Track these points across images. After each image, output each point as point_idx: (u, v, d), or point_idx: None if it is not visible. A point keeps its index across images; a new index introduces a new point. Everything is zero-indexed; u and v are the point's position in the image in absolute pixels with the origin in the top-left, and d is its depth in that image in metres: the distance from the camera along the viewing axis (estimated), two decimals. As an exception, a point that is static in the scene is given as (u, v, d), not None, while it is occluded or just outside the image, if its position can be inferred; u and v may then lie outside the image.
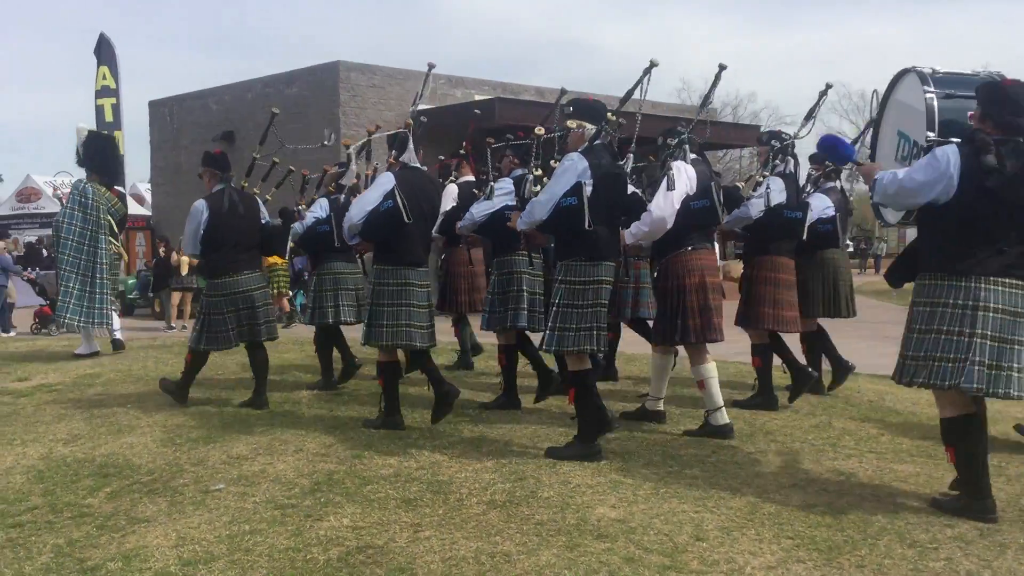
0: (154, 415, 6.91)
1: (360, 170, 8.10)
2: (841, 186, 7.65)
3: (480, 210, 6.85)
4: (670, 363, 6.65)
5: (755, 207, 6.85)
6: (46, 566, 4.06)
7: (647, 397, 6.67)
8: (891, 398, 7.58)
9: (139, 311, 18.51)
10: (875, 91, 5.51)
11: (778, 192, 6.84)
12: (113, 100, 19.74)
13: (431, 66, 6.90)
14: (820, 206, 7.27)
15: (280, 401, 7.35)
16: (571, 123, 5.74)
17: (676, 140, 6.35)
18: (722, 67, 6.19)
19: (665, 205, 5.89)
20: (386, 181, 6.23)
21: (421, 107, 7.25)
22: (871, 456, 5.67)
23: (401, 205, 6.01)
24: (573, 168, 5.43)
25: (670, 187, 5.90)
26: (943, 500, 4.70)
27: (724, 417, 6.16)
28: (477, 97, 17.26)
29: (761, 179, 7.01)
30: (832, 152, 5.46)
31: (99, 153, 10.26)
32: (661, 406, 6.63)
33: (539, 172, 5.93)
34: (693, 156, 6.27)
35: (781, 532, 4.30)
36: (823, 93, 6.95)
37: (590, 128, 5.61)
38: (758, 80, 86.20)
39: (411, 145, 6.43)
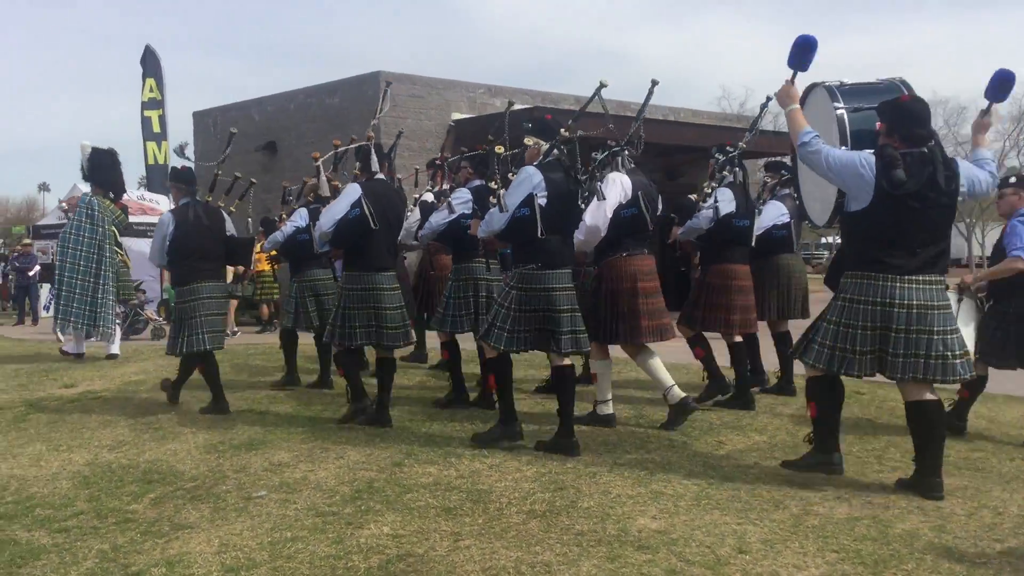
0: (197, 422, 6.99)
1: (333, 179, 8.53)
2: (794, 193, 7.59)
3: (438, 219, 7.26)
4: (609, 365, 6.90)
5: (705, 218, 7.21)
6: (91, 571, 4.11)
7: (598, 403, 6.82)
8: (937, 410, 7.43)
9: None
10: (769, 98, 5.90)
11: (727, 202, 7.15)
12: (159, 111, 20.07)
13: (388, 84, 7.74)
14: (775, 213, 7.79)
15: (321, 409, 7.39)
16: (527, 140, 6.14)
17: (607, 153, 6.67)
18: (654, 82, 6.68)
19: (598, 215, 6.26)
20: (353, 192, 6.66)
21: (459, 116, 7.67)
22: (917, 469, 5.56)
23: (368, 213, 6.50)
24: (528, 180, 5.78)
25: (601, 198, 6.19)
26: (793, 461, 5.39)
27: (610, 407, 6.74)
28: (516, 106, 17.29)
29: (710, 191, 7.34)
30: (1001, 85, 5.36)
31: (102, 168, 10.60)
32: (610, 409, 6.80)
33: (494, 185, 6.18)
34: (630, 167, 6.65)
35: (825, 545, 4.24)
36: (650, 91, 6.75)
37: (544, 144, 5.97)
38: (802, 88, 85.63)
39: (374, 157, 6.85)
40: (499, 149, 6.84)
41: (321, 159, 8.35)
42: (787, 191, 7.91)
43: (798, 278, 7.94)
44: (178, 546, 4.36)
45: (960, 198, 4.97)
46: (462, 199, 7.18)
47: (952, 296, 5.76)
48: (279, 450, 6.05)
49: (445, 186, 8.31)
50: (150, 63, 20.44)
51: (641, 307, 6.45)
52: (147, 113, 20.27)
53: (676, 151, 19.06)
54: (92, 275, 10.20)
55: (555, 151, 5.94)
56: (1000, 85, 5.34)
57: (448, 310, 7.40)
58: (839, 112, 5.20)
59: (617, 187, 6.43)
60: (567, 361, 5.98)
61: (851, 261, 5.03)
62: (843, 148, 5.09)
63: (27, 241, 19.81)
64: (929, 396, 4.96)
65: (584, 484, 5.17)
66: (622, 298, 6.45)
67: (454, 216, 7.15)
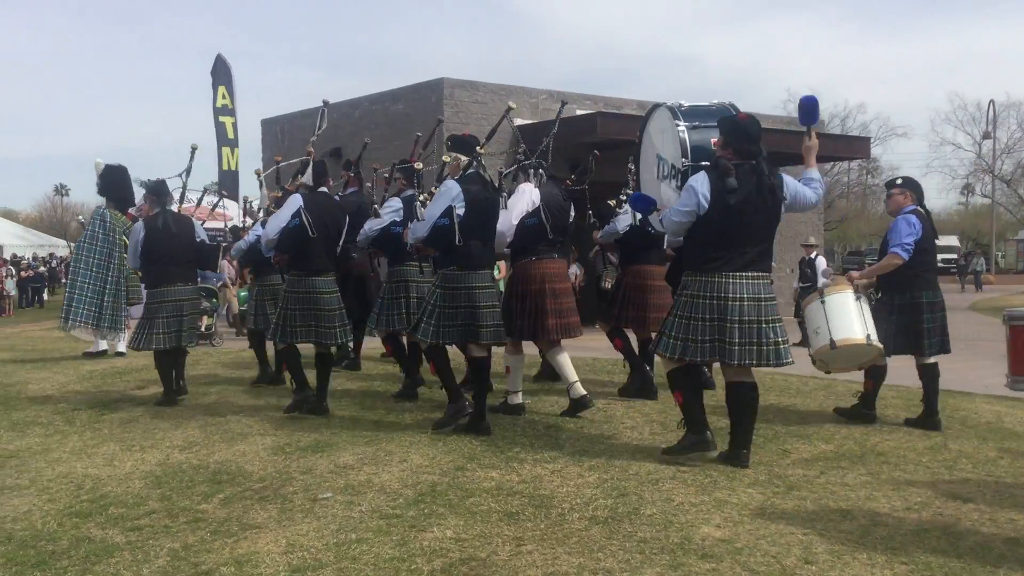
0: (265, 424, 7.12)
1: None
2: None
3: (371, 226, 7.93)
4: (522, 359, 7.46)
5: (621, 223, 7.94)
6: (163, 569, 4.22)
7: (510, 393, 7.40)
8: (1010, 419, 7.27)
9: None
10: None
11: None
12: (232, 119, 20.51)
13: (325, 103, 8.44)
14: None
15: (385, 412, 7.47)
16: (446, 156, 6.80)
17: (517, 166, 7.55)
18: (560, 107, 7.84)
19: (503, 223, 6.90)
20: (294, 202, 7.32)
21: (521, 122, 8.06)
22: (989, 480, 5.44)
23: (307, 223, 7.17)
24: (448, 193, 6.47)
25: (507, 207, 7.01)
26: (671, 448, 5.84)
27: (520, 398, 7.31)
28: (578, 112, 17.26)
29: (625, 197, 7.82)
30: (637, 204, 6.18)
31: (114, 184, 11.09)
32: (520, 399, 7.37)
33: (423, 196, 6.99)
34: (547, 179, 7.32)
35: (895, 557, 4.16)
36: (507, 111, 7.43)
37: (464, 159, 6.62)
38: (868, 91, 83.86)
39: (310, 171, 7.50)
40: (418, 166, 7.91)
41: (263, 174, 9.24)
42: None
43: None
44: (246, 546, 4.45)
45: (783, 208, 5.62)
46: (392, 208, 7.87)
47: (850, 295, 6.62)
48: (344, 453, 6.13)
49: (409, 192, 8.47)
50: (221, 72, 20.90)
51: (549, 307, 7.08)
52: (221, 119, 20.73)
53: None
54: (101, 280, 10.88)
55: (474, 164, 6.60)
56: (808, 111, 5.85)
57: (382, 310, 8.17)
58: (680, 130, 5.91)
59: (525, 197, 7.14)
60: (484, 353, 6.71)
61: (690, 261, 5.70)
62: (684, 161, 5.84)
63: None
64: (748, 379, 5.65)
65: (647, 491, 5.15)
66: (531, 298, 7.09)
67: (384, 223, 7.83)
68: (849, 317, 6.59)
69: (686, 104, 6.14)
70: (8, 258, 30.27)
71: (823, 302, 6.67)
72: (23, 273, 29.02)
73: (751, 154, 5.52)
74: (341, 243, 7.69)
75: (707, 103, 6.22)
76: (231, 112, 20.60)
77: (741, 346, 5.42)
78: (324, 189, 7.61)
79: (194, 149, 8.86)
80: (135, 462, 6.15)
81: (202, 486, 5.51)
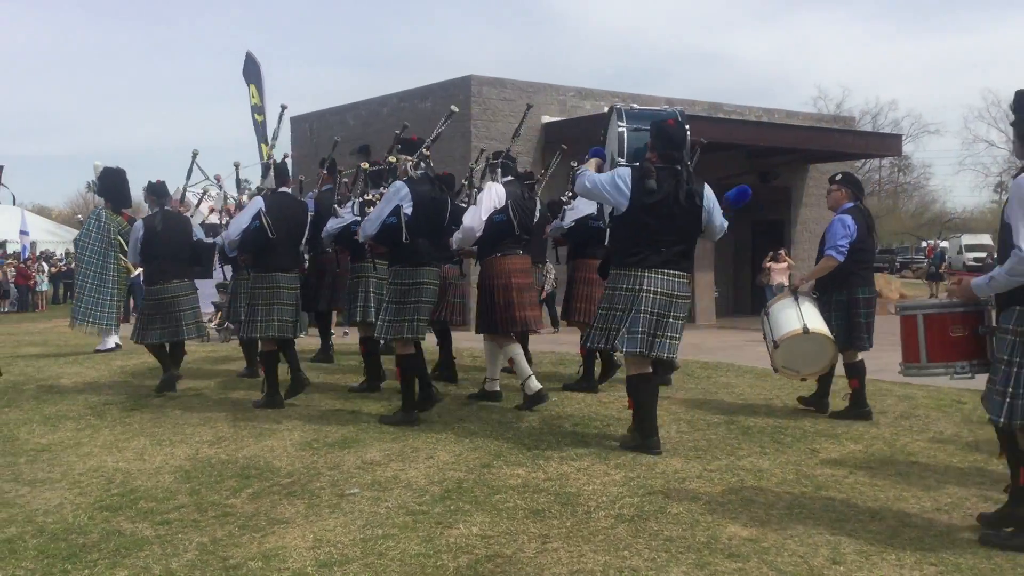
0: (293, 419, 7.16)
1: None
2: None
3: (331, 225, 8.27)
4: (498, 348, 7.64)
5: (568, 218, 8.22)
6: (191, 563, 4.25)
7: (488, 379, 7.73)
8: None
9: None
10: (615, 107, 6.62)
11: (586, 205, 7.85)
12: (262, 117, 20.65)
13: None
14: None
15: (411, 409, 7.49)
16: (391, 158, 7.18)
17: (485, 165, 7.86)
18: (452, 110, 7.54)
19: (472, 219, 7.26)
20: (254, 205, 7.67)
21: (548, 119, 8.13)
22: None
23: (266, 224, 7.47)
24: (396, 194, 6.79)
25: (476, 203, 7.38)
26: (623, 438, 6.19)
27: (536, 384, 7.34)
28: (607, 109, 17.24)
29: (573, 196, 8.08)
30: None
31: (111, 185, 11.50)
32: (498, 387, 7.73)
33: (369, 196, 7.29)
34: (508, 178, 7.55)
35: (924, 558, 4.12)
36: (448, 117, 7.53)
37: (410, 160, 6.95)
38: (900, 87, 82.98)
39: (271, 174, 7.84)
40: (364, 165, 8.27)
41: (224, 179, 9.84)
42: None
43: None
44: (274, 540, 4.48)
45: (703, 214, 5.90)
46: (351, 207, 8.07)
47: (789, 299, 6.95)
48: (371, 449, 6.16)
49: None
50: (251, 70, 21.02)
51: (515, 299, 7.33)
52: (257, 117, 20.88)
53: (770, 153, 18.75)
54: (97, 278, 11.27)
55: (423, 165, 6.95)
56: (735, 200, 6.26)
57: (348, 305, 8.52)
58: (620, 130, 6.31)
59: (492, 195, 7.35)
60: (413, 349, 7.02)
61: (615, 257, 6.07)
62: (620, 160, 6.18)
63: None
64: (649, 370, 6.01)
65: (673, 490, 5.14)
66: (498, 292, 7.33)
67: (345, 222, 8.11)
68: (786, 316, 6.87)
69: (637, 107, 6.58)
70: (40, 254, 30.63)
71: (767, 314, 7.04)
72: (54, 269, 29.38)
73: (673, 159, 5.83)
74: (305, 240, 8.09)
75: (658, 108, 6.77)
76: (261, 110, 20.74)
77: (643, 335, 5.77)
78: (285, 190, 7.97)
79: (195, 154, 9.28)
80: (165, 456, 6.21)
81: (231, 481, 5.56)
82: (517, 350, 7.49)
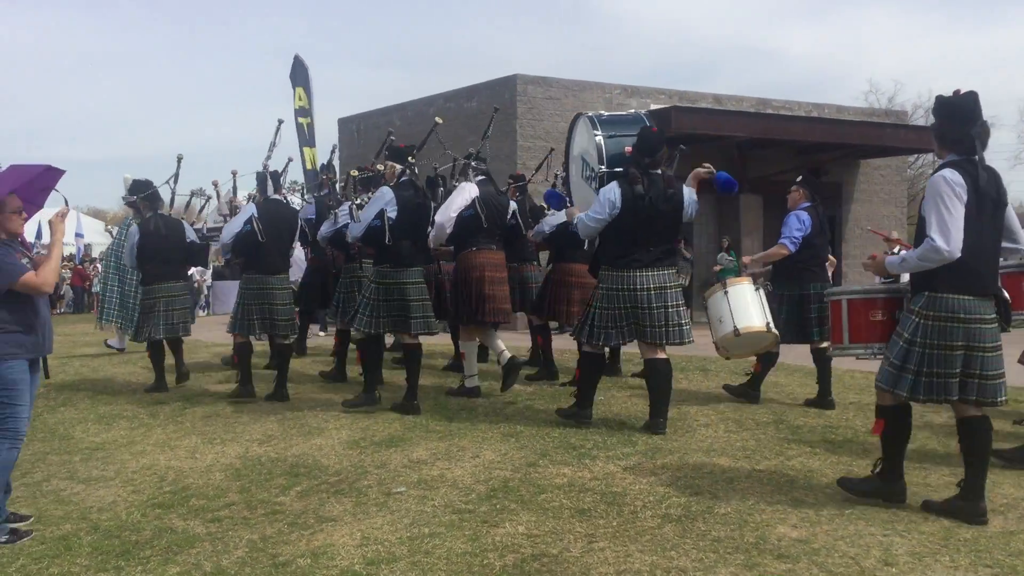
0: (341, 419, 7.22)
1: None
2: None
3: (325, 227, 8.69)
4: (475, 346, 8.24)
5: (548, 224, 8.63)
6: (241, 560, 4.31)
7: (466, 377, 8.10)
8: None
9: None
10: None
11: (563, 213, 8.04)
12: (308, 120, 20.83)
13: (280, 121, 9.10)
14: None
15: (458, 409, 7.52)
16: (379, 165, 7.82)
17: (459, 165, 8.40)
18: (436, 122, 8.31)
19: (443, 215, 7.67)
20: (247, 211, 8.20)
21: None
22: (1082, 483, 5.23)
23: (257, 229, 7.95)
24: (381, 198, 7.27)
25: (447, 201, 7.84)
26: (561, 408, 6.91)
27: (476, 382, 8.05)
28: (652, 106, 17.11)
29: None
30: (551, 200, 7.79)
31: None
32: (476, 382, 8.07)
33: (359, 201, 7.80)
34: (481, 177, 8.00)
35: (978, 560, 4.04)
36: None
37: (398, 167, 7.42)
38: (954, 80, 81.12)
39: (269, 183, 8.36)
40: (354, 172, 8.92)
41: (219, 185, 10.60)
42: None
43: None
44: (322, 538, 4.53)
45: (685, 214, 6.50)
46: (345, 211, 8.30)
47: (750, 286, 7.13)
48: (417, 447, 6.19)
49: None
50: (299, 73, 21.19)
51: (487, 292, 7.76)
52: (300, 120, 21.06)
53: (820, 149, 18.50)
54: (129, 284, 11.67)
55: (407, 172, 7.39)
56: (724, 185, 6.72)
57: (339, 304, 9.03)
58: (598, 139, 6.76)
59: (464, 194, 7.78)
60: (417, 341, 7.52)
61: (606, 258, 6.52)
62: (601, 167, 6.68)
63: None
64: (660, 355, 6.50)
65: (721, 490, 5.09)
66: (472, 285, 7.76)
67: (339, 225, 8.44)
68: (750, 306, 7.04)
69: (605, 114, 7.08)
70: (97, 257, 31.25)
71: (726, 293, 7.07)
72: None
73: (655, 164, 6.38)
74: (295, 243, 8.78)
75: (623, 113, 7.29)
76: (307, 113, 20.91)
77: (652, 328, 6.32)
78: (277, 197, 8.49)
79: (180, 159, 9.80)
80: (216, 455, 6.30)
81: (280, 479, 5.62)
82: (472, 348, 8.11)
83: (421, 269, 7.54)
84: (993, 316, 4.56)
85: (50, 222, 5.02)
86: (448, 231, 7.75)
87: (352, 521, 4.76)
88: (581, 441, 6.27)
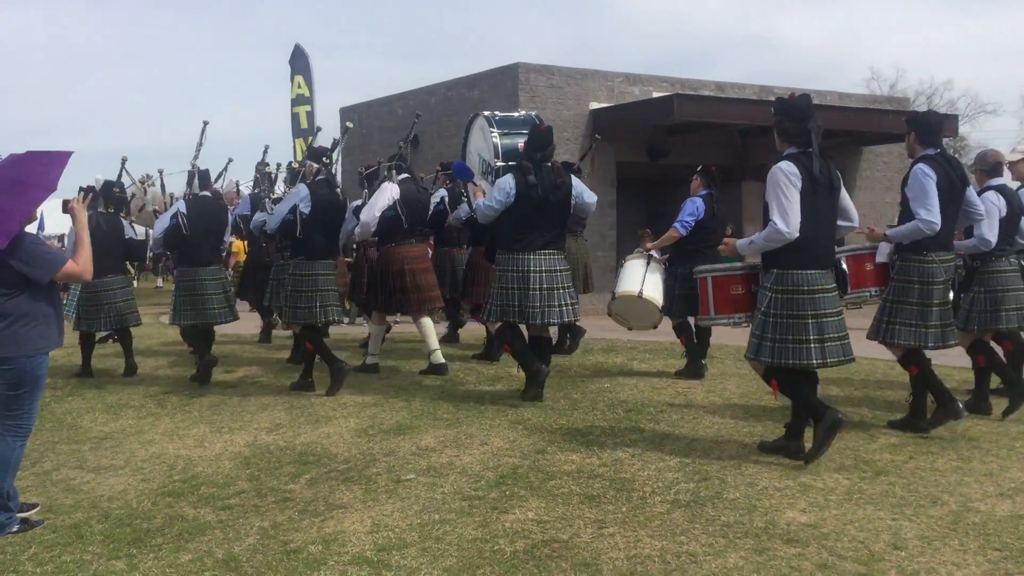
0: (348, 407, 7.24)
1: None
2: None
3: (257, 218, 9.48)
4: (383, 329, 9.24)
5: (463, 210, 8.89)
6: (253, 547, 4.33)
7: (369, 355, 8.94)
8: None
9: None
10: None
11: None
12: (308, 108, 20.80)
13: (205, 123, 10.02)
14: None
15: (464, 396, 7.54)
16: (294, 164, 9.12)
17: (385, 165, 9.01)
18: (204, 122, 9.88)
19: (366, 215, 8.37)
20: (175, 207, 8.90)
21: (597, 105, 8.92)
22: (1089, 467, 5.25)
23: (181, 223, 8.57)
24: (296, 195, 7.94)
25: (371, 201, 8.49)
26: (523, 393, 7.33)
27: (376, 359, 8.90)
28: (655, 94, 17.08)
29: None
30: (459, 172, 8.10)
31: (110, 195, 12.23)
32: (376, 360, 8.88)
33: (276, 196, 9.15)
34: (404, 176, 8.65)
35: (987, 543, 4.06)
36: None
37: (315, 166, 8.12)
38: (955, 67, 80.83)
39: (196, 180, 9.04)
40: (269, 170, 10.52)
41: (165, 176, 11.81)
42: None
43: (574, 258, 9.21)
44: (333, 525, 4.55)
45: (573, 202, 7.11)
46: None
47: (641, 260, 8.01)
48: (425, 435, 6.21)
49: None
50: (299, 62, 21.18)
51: (408, 284, 8.43)
52: (295, 110, 21.03)
53: (823, 135, 18.46)
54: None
55: (323, 171, 8.06)
56: (460, 171, 7.98)
57: (271, 293, 9.93)
58: (494, 137, 7.79)
59: (386, 194, 8.39)
60: (319, 328, 8.25)
61: (501, 242, 7.13)
62: (497, 162, 7.68)
63: None
64: (545, 335, 7.38)
65: (729, 475, 5.10)
66: (392, 277, 8.43)
67: (263, 217, 9.10)
68: (633, 277, 7.91)
69: (499, 114, 8.06)
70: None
71: (622, 265, 8.12)
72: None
73: (546, 158, 7.01)
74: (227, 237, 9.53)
75: (516, 114, 8.39)
76: (307, 101, 20.89)
77: (540, 308, 6.91)
78: (206, 193, 9.11)
79: (124, 160, 10.37)
80: (224, 443, 6.32)
81: (289, 467, 5.64)
82: (378, 331, 9.02)
83: (332, 262, 8.19)
84: (833, 286, 5.33)
85: (71, 208, 5.01)
86: (373, 229, 8.40)
87: (362, 508, 4.78)
88: (589, 428, 6.29)
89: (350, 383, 7.98)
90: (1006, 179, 7.07)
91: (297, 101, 21.15)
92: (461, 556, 4.09)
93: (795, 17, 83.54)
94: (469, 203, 8.00)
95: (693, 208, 8.07)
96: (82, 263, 4.78)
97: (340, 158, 21.50)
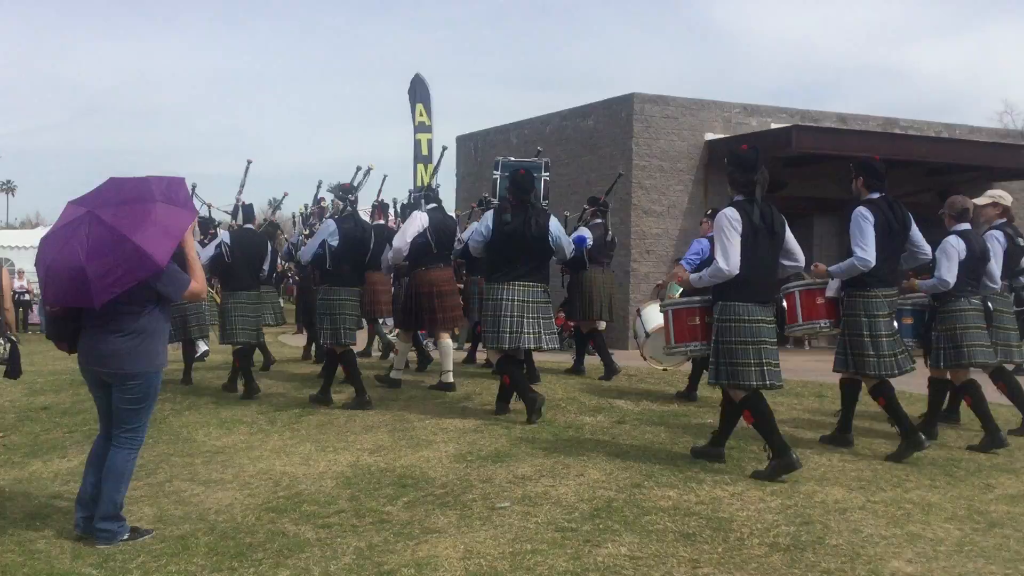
0: (449, 431, 7.31)
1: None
2: (606, 223, 10.13)
3: (298, 246, 10.94)
4: (409, 347, 9.95)
5: (459, 240, 9.46)
6: (349, 566, 4.42)
7: (394, 370, 9.68)
8: None
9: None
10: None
11: (483, 226, 8.71)
12: (429, 135, 21.27)
13: (249, 161, 10.93)
14: (584, 236, 9.40)
15: (564, 426, 7.51)
16: (324, 202, 10.72)
17: (416, 196, 9.94)
18: (441, 151, 11.32)
19: (398, 241, 9.08)
20: (220, 238, 9.73)
21: (712, 136, 9.04)
22: None
23: (224, 252, 9.43)
24: (325, 230, 8.84)
25: (402, 228, 9.27)
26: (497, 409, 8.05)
27: (401, 375, 9.66)
28: (773, 125, 16.78)
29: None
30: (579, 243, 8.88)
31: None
32: (400, 375, 9.61)
33: (308, 232, 10.83)
34: (432, 206, 9.31)
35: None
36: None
37: (341, 203, 9.05)
38: (1098, 99, 76.64)
39: (240, 216, 9.92)
40: (324, 204, 11.36)
41: (213, 207, 12.31)
42: (598, 220, 10.13)
43: (599, 288, 9.88)
44: (427, 549, 4.59)
45: (550, 239, 7.68)
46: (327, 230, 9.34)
47: (654, 304, 8.56)
48: (522, 463, 6.22)
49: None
50: (419, 90, 21.67)
51: (436, 305, 9.06)
52: (418, 136, 21.53)
53: (950, 170, 17.80)
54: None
55: (348, 208, 8.96)
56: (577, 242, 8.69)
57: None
58: (495, 177, 8.93)
59: (416, 222, 9.08)
60: (343, 350, 8.80)
61: (488, 273, 7.87)
62: (493, 199, 8.69)
63: None
64: (518, 356, 7.99)
65: (832, 520, 4.94)
66: (423, 299, 9.07)
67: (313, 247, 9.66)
68: (656, 316, 8.26)
69: (513, 159, 9.30)
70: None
71: (639, 313, 8.83)
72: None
73: (523, 200, 7.63)
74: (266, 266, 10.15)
75: (529, 160, 9.34)
76: (428, 129, 21.35)
77: (511, 333, 7.49)
78: (250, 226, 10.04)
79: (249, 163, 10.98)
80: (328, 463, 6.47)
81: (388, 489, 5.73)
82: (405, 348, 9.77)
83: (358, 289, 9.04)
84: (772, 319, 5.92)
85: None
86: (405, 254, 9.09)
87: (456, 533, 4.82)
88: (688, 463, 6.18)
89: (452, 406, 8.06)
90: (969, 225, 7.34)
91: (420, 128, 21.63)
92: (550, 588, 4.07)
93: (925, 47, 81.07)
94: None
95: (698, 247, 8.52)
96: (200, 283, 5.06)
97: (457, 184, 21.71)
